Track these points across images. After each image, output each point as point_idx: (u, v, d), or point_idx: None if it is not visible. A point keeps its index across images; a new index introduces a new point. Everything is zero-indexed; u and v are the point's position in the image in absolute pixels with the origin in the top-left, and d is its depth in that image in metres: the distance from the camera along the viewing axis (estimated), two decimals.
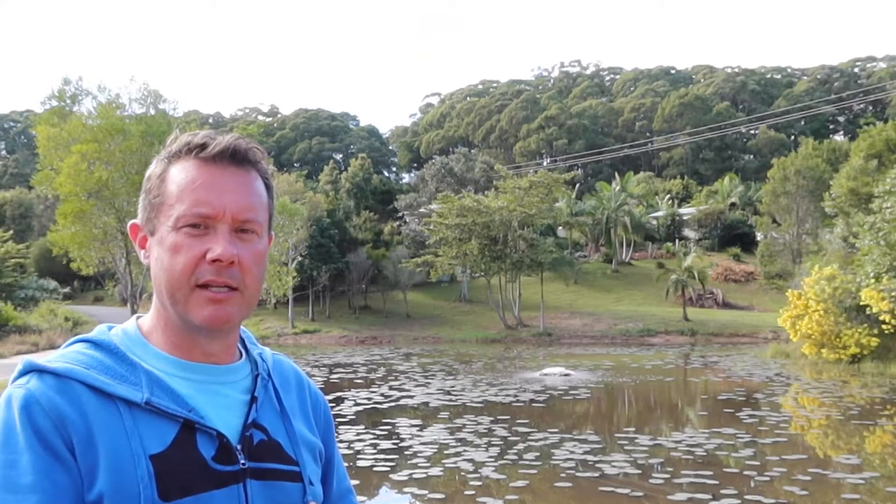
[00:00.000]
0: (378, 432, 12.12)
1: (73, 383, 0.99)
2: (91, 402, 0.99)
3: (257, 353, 1.19)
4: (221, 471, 1.02)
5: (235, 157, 1.08)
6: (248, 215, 1.06)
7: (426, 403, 15.40)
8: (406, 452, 10.59)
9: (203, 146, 1.07)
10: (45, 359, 1.03)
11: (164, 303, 1.07)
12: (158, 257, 1.06)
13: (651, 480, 8.91)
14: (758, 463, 9.75)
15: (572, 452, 10.38)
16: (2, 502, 0.91)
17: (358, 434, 11.92)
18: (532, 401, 15.53)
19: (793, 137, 78.76)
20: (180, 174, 1.06)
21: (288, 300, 39.68)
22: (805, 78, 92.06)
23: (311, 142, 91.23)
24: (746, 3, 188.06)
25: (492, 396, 16.15)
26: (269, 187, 1.13)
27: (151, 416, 1.00)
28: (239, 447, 1.05)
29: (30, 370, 1.01)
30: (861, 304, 19.79)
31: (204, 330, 1.06)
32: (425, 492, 8.66)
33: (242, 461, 1.04)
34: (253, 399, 1.11)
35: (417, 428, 12.46)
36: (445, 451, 10.56)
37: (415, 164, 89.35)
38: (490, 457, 10.14)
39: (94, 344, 1.07)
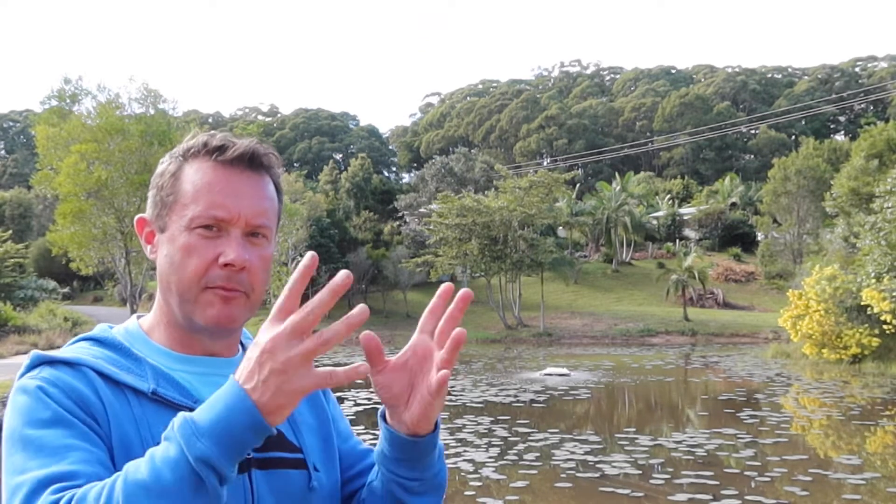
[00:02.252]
0: (378, 432, 12.09)
1: (86, 369, 1.01)
2: (104, 387, 1.00)
3: None
4: None
5: (252, 162, 1.08)
6: (261, 220, 1.07)
7: None
8: None
9: (221, 149, 1.07)
10: (52, 352, 1.04)
11: (171, 301, 1.08)
12: (169, 255, 1.07)
13: (651, 481, 8.90)
14: (758, 463, 9.74)
15: (572, 453, 10.38)
16: (37, 468, 0.89)
17: (358, 434, 11.89)
18: (532, 401, 15.53)
19: (793, 137, 78.78)
20: (196, 174, 1.07)
21: None
22: (806, 77, 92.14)
23: (310, 142, 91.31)
24: (746, 3, 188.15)
25: (492, 396, 16.14)
26: (279, 191, 1.14)
27: (158, 406, 1.02)
28: None
29: (40, 362, 1.01)
30: (862, 304, 19.79)
31: (208, 330, 1.07)
32: None
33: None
34: None
35: None
36: (445, 452, 10.48)
37: (415, 164, 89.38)
38: (490, 457, 10.14)
39: (98, 341, 1.09)
